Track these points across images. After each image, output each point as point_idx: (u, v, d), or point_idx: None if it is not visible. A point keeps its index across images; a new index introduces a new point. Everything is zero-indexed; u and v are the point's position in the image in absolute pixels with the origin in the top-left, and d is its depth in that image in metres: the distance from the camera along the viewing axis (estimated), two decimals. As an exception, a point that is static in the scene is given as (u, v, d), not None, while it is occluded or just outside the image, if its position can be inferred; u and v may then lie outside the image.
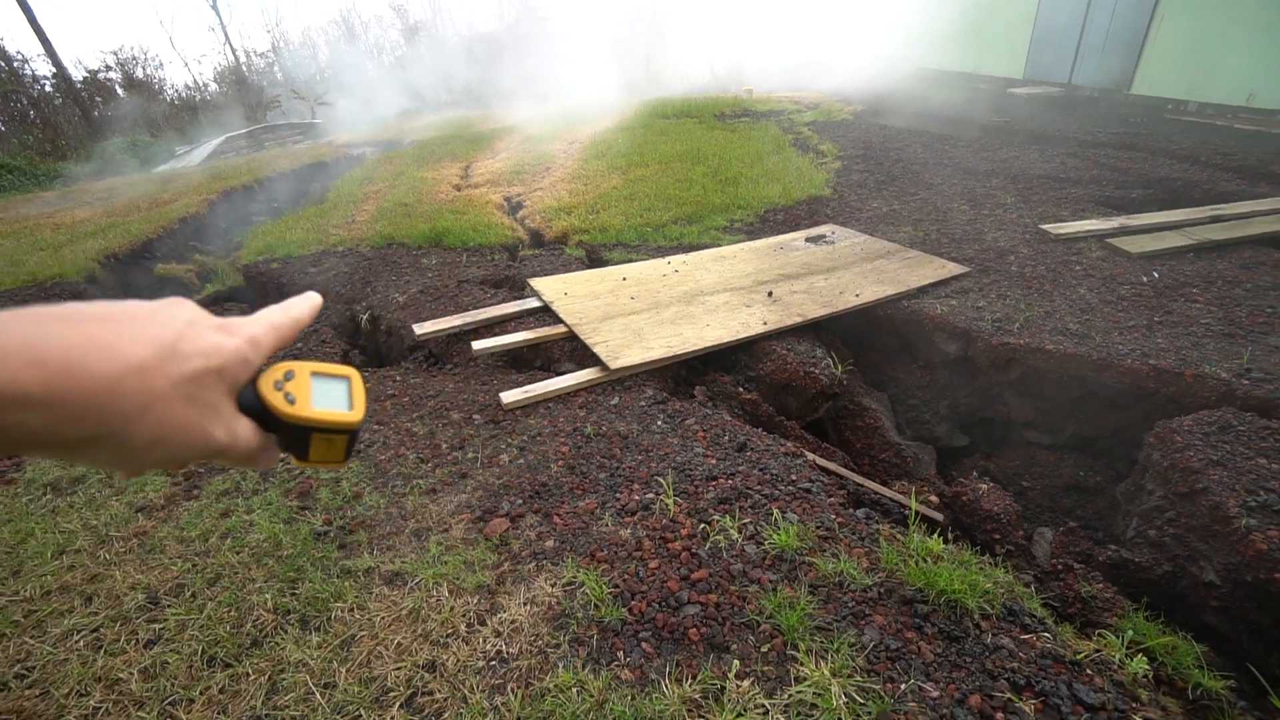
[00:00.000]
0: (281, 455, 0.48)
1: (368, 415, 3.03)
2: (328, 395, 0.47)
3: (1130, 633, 1.81)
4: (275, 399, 0.45)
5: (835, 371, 3.36)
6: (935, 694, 1.59)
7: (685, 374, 3.52)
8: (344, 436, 0.48)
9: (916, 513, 2.13)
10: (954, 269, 4.19)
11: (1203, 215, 4.65)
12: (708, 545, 2.04)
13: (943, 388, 3.70)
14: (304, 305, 0.51)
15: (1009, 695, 1.57)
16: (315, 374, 0.48)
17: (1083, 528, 2.93)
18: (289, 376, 0.47)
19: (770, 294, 3.93)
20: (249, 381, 0.45)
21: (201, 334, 0.42)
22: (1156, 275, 3.95)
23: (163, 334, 0.40)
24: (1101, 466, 3.19)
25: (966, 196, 5.79)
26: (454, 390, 3.23)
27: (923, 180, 6.42)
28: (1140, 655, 1.72)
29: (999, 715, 1.52)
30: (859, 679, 1.62)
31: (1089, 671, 1.62)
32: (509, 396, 2.98)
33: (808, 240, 4.92)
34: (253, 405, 0.45)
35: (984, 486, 2.93)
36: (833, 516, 2.16)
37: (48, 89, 21.66)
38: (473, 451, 2.68)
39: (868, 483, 2.81)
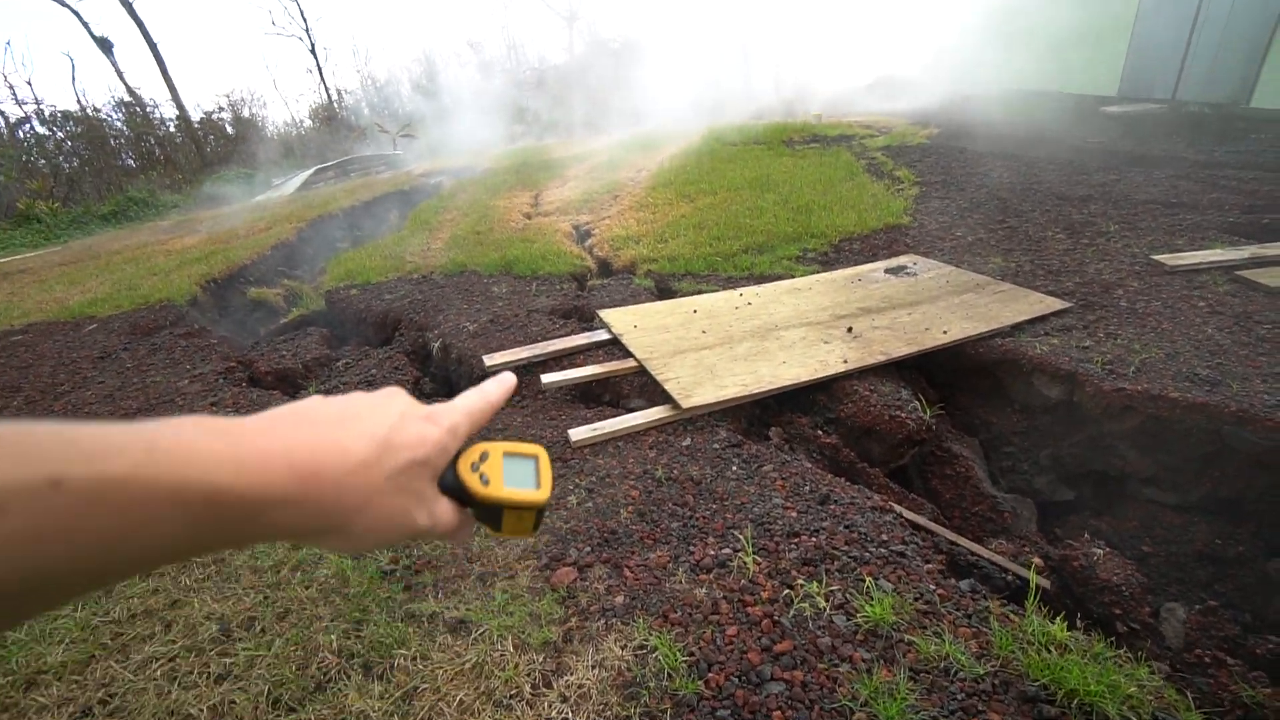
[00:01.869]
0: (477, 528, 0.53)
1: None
2: (517, 475, 0.52)
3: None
4: (472, 481, 0.49)
5: (923, 415, 3.10)
6: (1070, 819, 1.35)
7: (759, 414, 3.35)
8: (532, 512, 0.52)
9: (1037, 588, 1.88)
10: (1053, 304, 3.84)
11: (1354, 245, 4.09)
12: (791, 613, 1.86)
13: (1043, 435, 3.35)
14: (498, 389, 0.55)
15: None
16: (507, 454, 0.52)
17: (1225, 606, 2.54)
18: (484, 458, 0.51)
19: (850, 329, 3.71)
20: (449, 464, 0.50)
21: (409, 426, 0.46)
22: (1303, 313, 3.47)
23: (378, 430, 0.44)
24: (1245, 535, 2.77)
25: (1062, 224, 5.37)
26: (522, 424, 3.19)
27: (1010, 207, 6.02)
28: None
29: None
30: (974, 791, 1.39)
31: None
32: (577, 434, 2.90)
33: (887, 271, 4.66)
34: (452, 486, 0.49)
35: (1099, 551, 2.59)
36: (932, 587, 1.94)
37: (171, 129, 24.07)
38: (539, 491, 2.61)
39: (966, 542, 2.54)
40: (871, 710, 1.57)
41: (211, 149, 24.39)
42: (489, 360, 3.66)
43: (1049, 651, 1.67)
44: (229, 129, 26.01)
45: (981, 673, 1.64)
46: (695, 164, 9.48)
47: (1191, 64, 10.68)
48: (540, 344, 3.81)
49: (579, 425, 3.00)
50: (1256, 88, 9.43)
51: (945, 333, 3.58)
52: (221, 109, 26.42)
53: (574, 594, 2.04)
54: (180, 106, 22.85)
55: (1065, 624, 1.76)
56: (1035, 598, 1.84)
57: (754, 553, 2.10)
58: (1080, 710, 1.52)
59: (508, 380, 0.56)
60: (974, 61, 15.09)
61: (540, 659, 1.82)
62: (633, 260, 5.64)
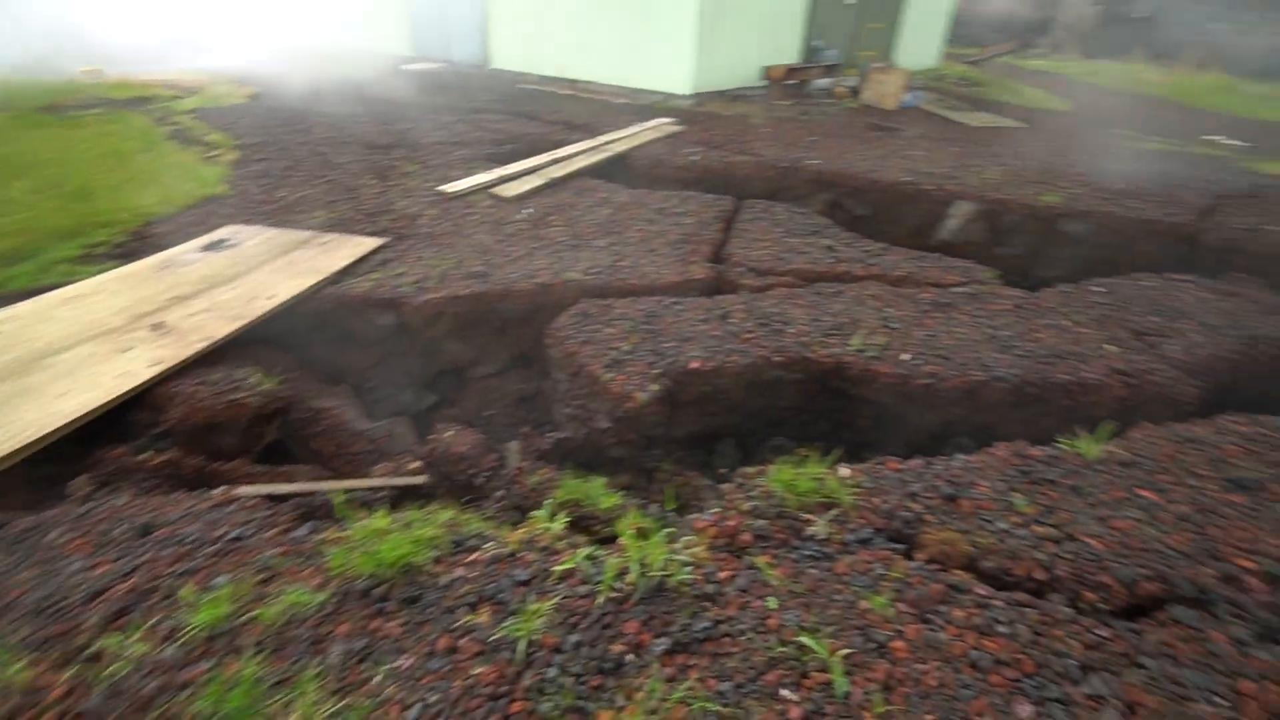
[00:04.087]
0: None
1: None
2: None
3: (558, 496, 2.22)
4: None
5: (267, 387, 2.97)
6: (408, 662, 1.59)
7: (54, 470, 2.53)
8: None
9: (382, 492, 2.07)
10: (371, 243, 4.21)
11: (548, 160, 5.96)
12: (103, 688, 1.51)
13: (394, 358, 3.77)
14: None
15: (470, 616, 1.70)
16: None
17: (535, 428, 3.52)
18: None
19: (157, 325, 3.14)
20: None
21: None
22: (530, 210, 4.88)
23: None
24: (535, 375, 3.86)
25: (374, 171, 5.89)
26: None
27: (330, 161, 6.21)
28: (562, 514, 2.13)
29: (465, 642, 1.63)
30: (332, 705, 1.48)
31: (521, 554, 1.90)
32: None
33: (205, 249, 4.13)
34: None
35: (450, 432, 3.14)
36: (273, 550, 1.91)
37: None
38: None
39: (346, 483, 2.64)
40: (223, 714, 1.45)
41: None
42: None
43: (375, 540, 1.89)
44: None
45: (324, 599, 1.73)
46: None
47: (452, 36, 13.09)
48: None
49: None
50: (491, 55, 12.38)
51: (272, 298, 3.46)
52: None
53: None
54: None
55: (388, 514, 2.03)
56: (352, 503, 2.04)
57: (30, 652, 1.59)
58: (402, 573, 1.80)
59: None
60: (296, 18, 14.46)
61: None
62: None
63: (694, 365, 2.99)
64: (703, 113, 8.47)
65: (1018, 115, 9.81)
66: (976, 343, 3.25)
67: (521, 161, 5.95)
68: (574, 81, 10.74)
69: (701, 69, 8.99)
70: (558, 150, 6.28)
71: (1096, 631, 1.52)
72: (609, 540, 2.00)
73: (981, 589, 1.62)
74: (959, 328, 3.39)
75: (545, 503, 2.17)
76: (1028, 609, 1.57)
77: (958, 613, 1.55)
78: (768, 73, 9.42)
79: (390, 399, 3.66)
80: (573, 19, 10.31)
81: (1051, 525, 1.81)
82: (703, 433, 3.29)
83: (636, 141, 6.62)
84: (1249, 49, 16.67)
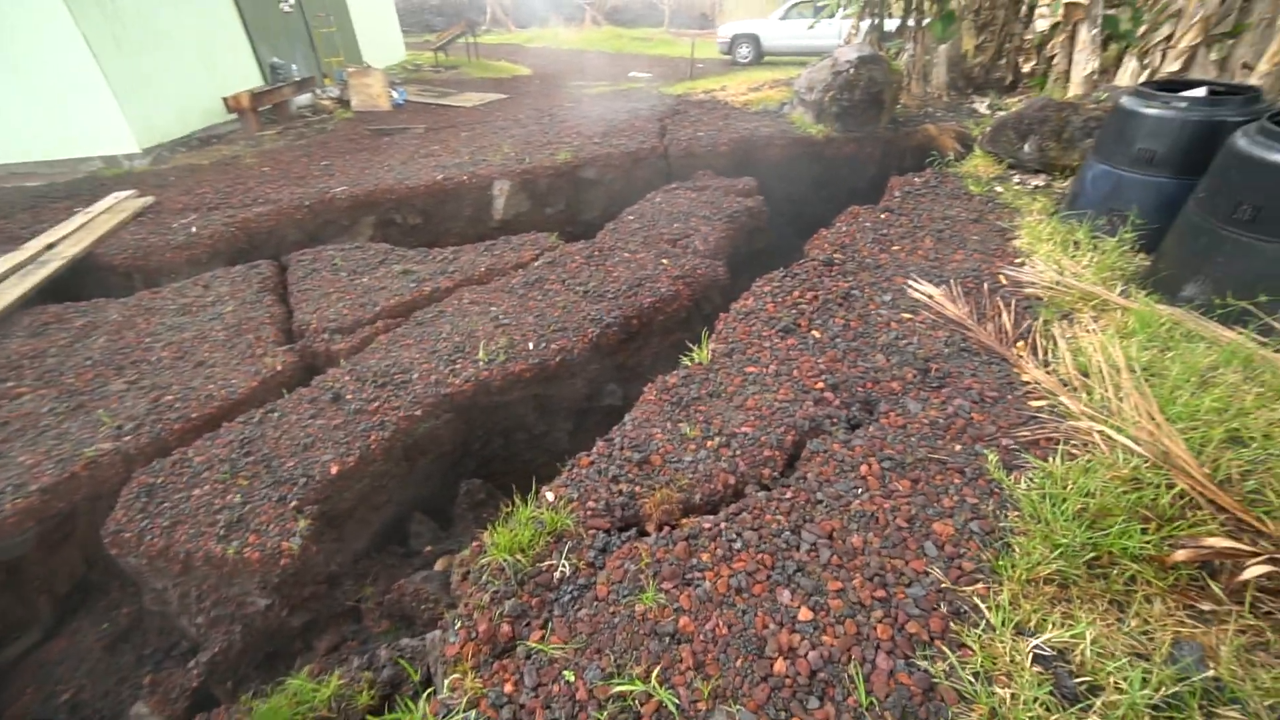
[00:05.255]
0: None
1: None
2: None
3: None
4: None
5: None
6: None
7: None
8: None
9: None
10: None
11: (-52, 305, 3.94)
12: None
13: None
14: None
15: None
16: None
17: (162, 665, 2.49)
18: None
19: None
20: None
21: None
22: (-41, 393, 3.18)
23: None
24: (123, 597, 2.69)
25: None
26: None
27: None
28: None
29: None
30: None
31: None
32: None
33: None
34: None
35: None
36: None
37: None
38: None
39: None
40: None
41: None
42: None
43: None
44: None
45: None
46: None
47: None
48: None
49: None
50: None
51: None
52: None
53: None
54: None
55: None
56: None
57: None
58: None
59: None
60: None
61: None
62: None
63: (335, 470, 2.47)
64: (174, 170, 6.78)
65: (498, 88, 10.79)
66: (576, 302, 3.54)
67: (-108, 326, 3.77)
68: None
69: (140, 116, 7.10)
70: (-43, 286, 4.18)
71: (784, 497, 1.87)
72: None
73: (707, 522, 1.81)
74: (557, 296, 3.63)
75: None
76: (740, 514, 1.83)
77: (705, 556, 1.71)
78: (231, 104, 8.05)
79: None
80: None
81: (716, 434, 2.14)
82: (386, 525, 2.83)
83: (96, 234, 4.90)
84: (620, 6, 22.15)
